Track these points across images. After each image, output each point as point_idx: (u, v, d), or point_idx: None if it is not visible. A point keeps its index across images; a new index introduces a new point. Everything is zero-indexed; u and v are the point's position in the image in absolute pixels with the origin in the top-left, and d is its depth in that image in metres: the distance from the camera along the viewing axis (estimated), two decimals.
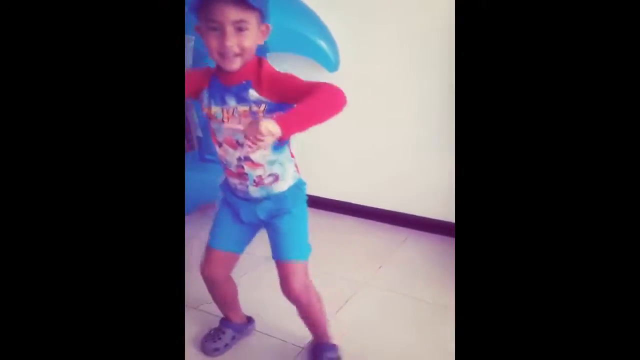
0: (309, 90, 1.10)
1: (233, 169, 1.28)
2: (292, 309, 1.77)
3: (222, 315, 1.62)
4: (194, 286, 1.93)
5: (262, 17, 1.15)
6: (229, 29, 1.09)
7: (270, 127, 0.97)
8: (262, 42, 1.18)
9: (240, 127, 1.18)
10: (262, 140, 0.98)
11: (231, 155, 1.26)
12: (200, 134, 2.53)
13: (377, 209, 2.57)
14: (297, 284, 1.32)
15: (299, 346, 1.60)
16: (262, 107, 1.17)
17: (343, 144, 2.58)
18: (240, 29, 1.10)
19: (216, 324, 1.61)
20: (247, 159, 1.24)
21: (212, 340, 1.57)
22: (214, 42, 1.11)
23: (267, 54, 2.46)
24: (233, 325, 1.59)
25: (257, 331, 1.68)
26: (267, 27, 1.18)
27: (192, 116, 2.59)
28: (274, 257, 1.36)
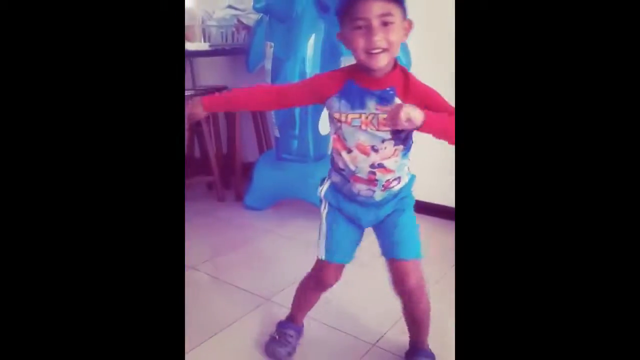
0: (447, 110, 1.07)
1: (363, 175, 1.17)
2: (365, 304, 1.70)
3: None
4: (267, 279, 1.91)
5: (405, 12, 1.06)
6: (375, 24, 1.01)
7: (411, 113, 0.98)
8: (405, 39, 1.08)
9: (380, 133, 1.11)
10: (399, 126, 1.00)
11: (363, 162, 1.15)
12: (277, 134, 2.49)
13: (442, 205, 2.44)
14: (413, 282, 1.22)
15: (369, 343, 1.49)
16: None
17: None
18: (385, 23, 1.01)
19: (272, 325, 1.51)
20: (380, 165, 1.15)
21: (281, 345, 1.43)
22: (360, 41, 1.03)
23: (342, 58, 2.41)
24: (296, 327, 1.49)
25: (327, 325, 1.58)
26: (410, 24, 1.08)
27: (271, 116, 2.56)
28: (388, 256, 1.24)
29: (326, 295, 1.48)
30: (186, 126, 1.21)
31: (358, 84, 1.11)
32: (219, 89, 2.97)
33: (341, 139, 1.16)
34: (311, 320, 1.58)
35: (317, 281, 1.35)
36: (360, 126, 1.11)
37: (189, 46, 2.89)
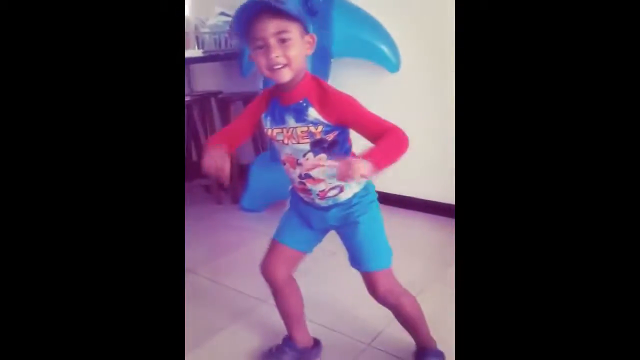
0: (377, 124, 1.04)
1: (296, 185, 1.19)
2: (360, 305, 1.66)
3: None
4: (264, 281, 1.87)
5: (305, 28, 1.06)
6: (272, 42, 1.01)
7: (362, 169, 0.91)
8: (309, 53, 1.08)
9: (300, 146, 1.10)
10: (352, 180, 0.93)
11: (292, 174, 1.16)
12: None
13: (442, 203, 2.38)
14: (382, 290, 1.20)
15: (364, 343, 1.45)
16: (320, 127, 1.07)
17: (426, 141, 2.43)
18: (282, 40, 1.01)
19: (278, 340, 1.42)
20: (307, 176, 1.14)
21: (271, 358, 1.38)
22: (262, 59, 1.03)
23: (332, 60, 2.37)
24: (295, 347, 1.38)
25: (322, 325, 1.54)
26: (312, 38, 1.08)
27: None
28: (353, 266, 1.22)
29: (321, 296, 1.44)
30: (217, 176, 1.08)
31: (278, 101, 1.12)
32: (215, 94, 2.93)
33: (278, 153, 1.18)
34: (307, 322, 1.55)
35: (262, 266, 1.28)
36: (283, 140, 1.12)
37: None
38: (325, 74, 2.35)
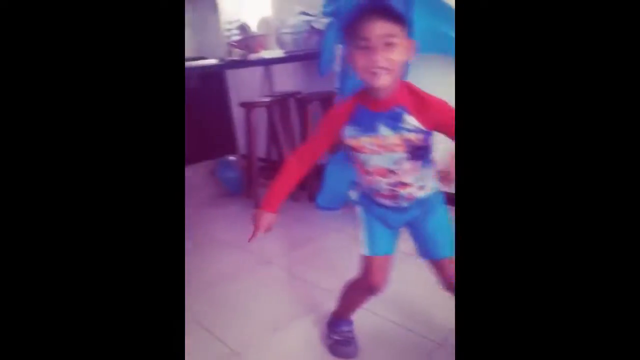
0: None
1: (384, 192, 1.16)
2: (432, 305, 1.64)
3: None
4: (335, 275, 1.89)
5: (409, 33, 1.03)
6: (378, 44, 0.98)
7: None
8: (409, 59, 1.05)
9: (393, 155, 1.08)
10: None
11: (380, 183, 1.14)
12: None
13: None
14: (449, 276, 1.19)
15: (436, 342, 1.43)
16: (418, 135, 1.05)
17: None
18: (388, 43, 0.98)
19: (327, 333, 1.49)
20: (400, 183, 1.13)
21: (346, 344, 1.43)
22: (362, 60, 1.00)
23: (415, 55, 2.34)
24: (347, 322, 1.47)
25: (393, 322, 1.53)
26: (413, 43, 1.04)
27: None
28: (424, 256, 1.23)
29: (394, 293, 1.43)
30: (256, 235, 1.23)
31: (367, 108, 1.09)
32: (294, 94, 3.01)
33: (360, 162, 1.14)
34: (377, 318, 1.55)
35: (367, 284, 1.27)
36: (374, 150, 1.09)
37: (265, 54, 2.96)
38: (404, 72, 2.33)
